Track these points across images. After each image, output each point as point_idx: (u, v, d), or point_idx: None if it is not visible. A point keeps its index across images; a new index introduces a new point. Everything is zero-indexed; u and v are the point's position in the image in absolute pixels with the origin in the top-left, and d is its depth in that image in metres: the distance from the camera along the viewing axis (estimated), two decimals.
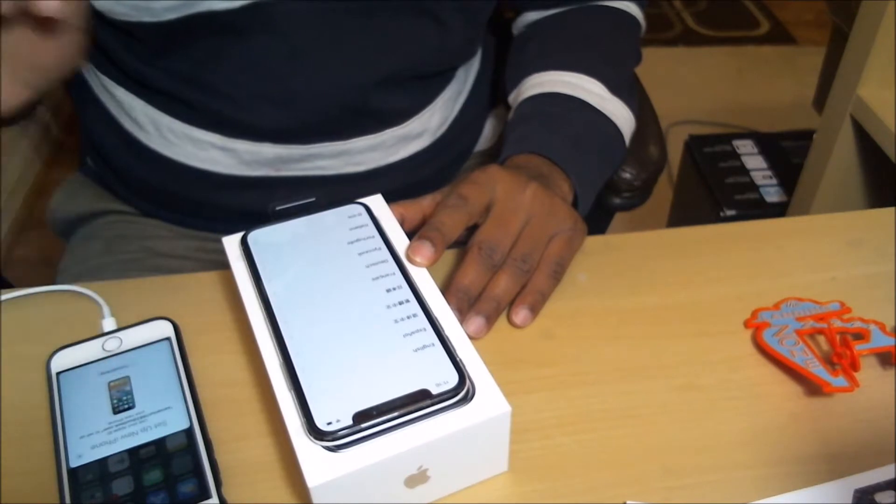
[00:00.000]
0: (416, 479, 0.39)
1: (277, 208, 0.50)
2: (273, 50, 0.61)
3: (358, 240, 0.48)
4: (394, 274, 0.46)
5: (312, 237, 0.48)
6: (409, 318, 0.43)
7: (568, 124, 0.62)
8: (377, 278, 0.45)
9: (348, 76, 0.64)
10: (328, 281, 0.45)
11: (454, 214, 0.50)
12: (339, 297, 0.44)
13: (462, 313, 0.48)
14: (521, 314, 0.50)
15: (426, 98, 0.71)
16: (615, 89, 0.65)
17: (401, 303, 0.44)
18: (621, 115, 0.65)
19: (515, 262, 0.50)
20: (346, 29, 0.62)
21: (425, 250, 0.47)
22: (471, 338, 0.43)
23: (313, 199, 0.50)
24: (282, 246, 0.48)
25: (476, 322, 0.49)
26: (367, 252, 0.47)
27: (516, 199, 0.52)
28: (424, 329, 0.42)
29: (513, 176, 0.52)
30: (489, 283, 0.50)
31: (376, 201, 0.51)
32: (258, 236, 0.48)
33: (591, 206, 0.63)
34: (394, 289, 0.45)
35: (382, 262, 0.46)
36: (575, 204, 0.59)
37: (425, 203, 0.53)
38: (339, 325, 0.43)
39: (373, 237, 0.48)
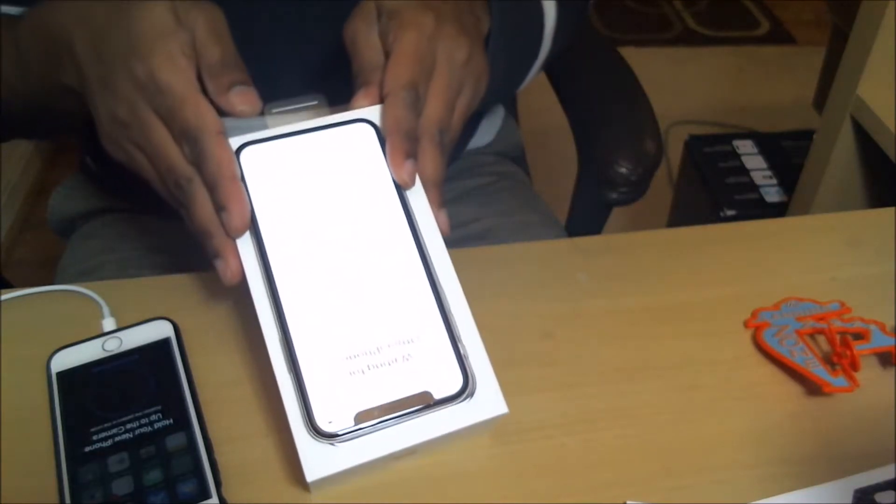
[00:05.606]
0: None
1: (274, 111, 0.44)
2: (253, 16, 0.60)
3: (363, 169, 0.44)
4: (403, 229, 0.42)
5: (313, 163, 0.43)
6: (416, 313, 0.41)
7: None
8: (383, 231, 0.42)
9: (329, 43, 0.63)
10: (329, 228, 0.42)
11: (413, 113, 0.45)
12: (342, 261, 0.41)
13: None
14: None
15: None
16: None
17: (411, 290, 0.41)
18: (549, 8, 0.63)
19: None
20: None
21: (410, 167, 0.44)
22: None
23: (315, 102, 0.46)
24: (279, 173, 0.43)
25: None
26: (372, 188, 0.43)
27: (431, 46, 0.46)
28: (432, 327, 0.41)
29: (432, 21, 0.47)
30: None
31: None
32: (253, 152, 0.43)
33: (589, 202, 0.62)
34: (404, 263, 0.42)
35: (388, 205, 0.43)
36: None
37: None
38: (344, 317, 0.40)
39: (379, 165, 0.44)
